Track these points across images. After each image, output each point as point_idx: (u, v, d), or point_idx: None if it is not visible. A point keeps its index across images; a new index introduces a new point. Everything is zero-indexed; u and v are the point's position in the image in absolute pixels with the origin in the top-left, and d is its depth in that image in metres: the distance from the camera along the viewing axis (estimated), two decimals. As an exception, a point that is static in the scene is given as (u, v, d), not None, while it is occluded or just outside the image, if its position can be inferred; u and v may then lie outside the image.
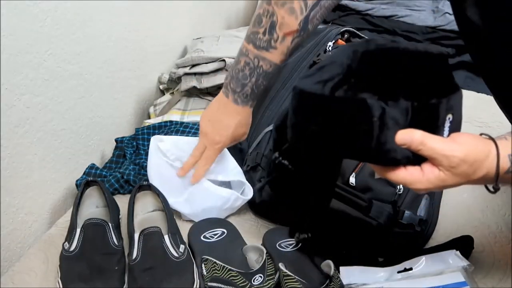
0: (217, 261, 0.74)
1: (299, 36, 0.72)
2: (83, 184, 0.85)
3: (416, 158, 0.53)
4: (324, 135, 0.54)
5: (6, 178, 0.79)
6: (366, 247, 0.80)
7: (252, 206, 0.91)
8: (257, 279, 0.72)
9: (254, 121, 0.99)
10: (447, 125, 0.53)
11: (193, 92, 1.17)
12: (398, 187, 0.81)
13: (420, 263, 0.72)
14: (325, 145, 0.55)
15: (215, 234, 0.84)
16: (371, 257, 0.79)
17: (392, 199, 0.80)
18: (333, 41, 1.05)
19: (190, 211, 0.87)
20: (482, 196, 0.91)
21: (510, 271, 0.77)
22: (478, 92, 1.20)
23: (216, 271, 0.73)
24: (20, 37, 0.77)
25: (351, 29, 1.11)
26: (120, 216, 0.86)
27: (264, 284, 0.71)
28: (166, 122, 1.07)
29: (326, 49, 1.03)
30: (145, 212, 0.87)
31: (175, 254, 0.76)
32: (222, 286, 0.70)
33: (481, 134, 0.56)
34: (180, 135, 1.01)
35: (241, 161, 0.93)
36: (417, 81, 0.52)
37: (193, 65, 1.15)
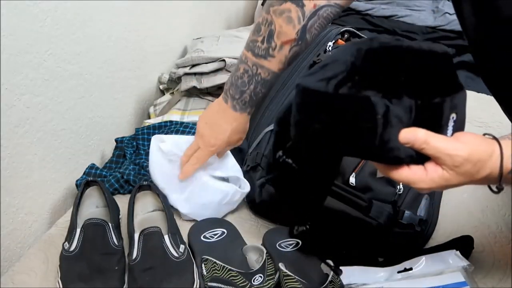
0: (217, 261, 0.74)
1: (297, 45, 0.73)
2: (83, 184, 0.85)
3: (419, 157, 0.53)
4: (327, 132, 0.54)
5: (6, 178, 0.79)
6: (366, 247, 0.80)
7: (252, 206, 0.91)
8: (257, 279, 0.72)
9: (254, 121, 1.00)
10: (450, 124, 0.53)
11: (193, 92, 1.17)
12: (398, 187, 0.81)
13: (420, 263, 0.72)
14: (328, 142, 0.55)
15: (215, 234, 0.84)
16: (371, 257, 0.79)
17: (392, 199, 0.80)
18: (333, 41, 1.05)
19: (189, 209, 0.87)
20: (482, 196, 0.91)
21: (510, 271, 0.77)
22: (478, 92, 1.20)
23: (216, 271, 0.73)
24: (20, 37, 0.77)
25: (351, 29, 1.11)
26: (120, 216, 0.86)
27: (264, 284, 0.71)
28: (166, 122, 1.07)
29: (326, 49, 1.03)
30: (145, 212, 0.87)
31: (175, 254, 0.76)
32: (222, 286, 0.70)
33: (484, 134, 0.56)
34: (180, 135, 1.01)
35: (241, 161, 0.94)
36: (421, 79, 0.52)
37: (193, 65, 1.15)
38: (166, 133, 1.03)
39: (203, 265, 0.75)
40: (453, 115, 0.53)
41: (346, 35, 1.10)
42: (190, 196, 0.87)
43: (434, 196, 0.87)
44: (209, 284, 0.71)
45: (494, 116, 1.10)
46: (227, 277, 0.72)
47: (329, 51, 1.02)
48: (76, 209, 0.81)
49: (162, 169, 0.87)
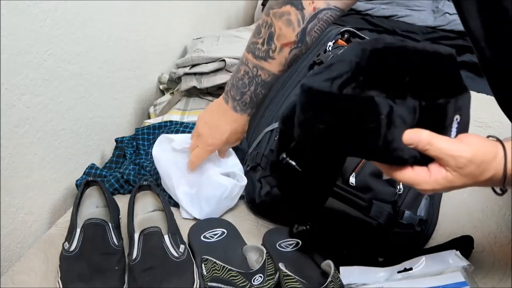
0: (217, 261, 0.74)
1: (297, 48, 0.74)
2: (83, 184, 0.85)
3: (423, 158, 0.53)
4: (331, 132, 0.54)
5: (6, 178, 0.79)
6: (366, 247, 0.80)
7: (252, 206, 0.91)
8: (257, 279, 0.72)
9: (254, 121, 1.00)
10: (454, 125, 0.53)
11: (193, 92, 1.17)
12: (398, 187, 0.81)
13: (420, 263, 0.72)
14: (332, 142, 0.55)
15: (215, 234, 0.84)
16: (371, 257, 0.79)
17: (392, 199, 0.80)
18: (333, 41, 1.05)
19: (191, 206, 0.88)
20: (482, 196, 0.91)
21: (510, 271, 0.77)
22: (478, 92, 1.20)
23: (216, 271, 0.73)
24: (20, 37, 0.77)
25: (351, 29, 1.11)
26: (120, 216, 0.86)
27: (264, 284, 0.71)
28: (166, 122, 1.07)
29: (326, 49, 1.03)
30: (145, 212, 0.87)
31: (175, 254, 0.76)
32: (222, 286, 0.70)
33: (488, 136, 0.55)
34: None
35: (241, 161, 0.94)
36: (425, 80, 0.52)
37: (193, 65, 1.15)
38: (166, 133, 1.03)
39: (203, 265, 0.75)
40: (457, 117, 0.53)
41: (346, 35, 1.10)
42: (197, 190, 0.87)
43: (434, 196, 0.87)
44: (209, 284, 0.71)
45: (494, 116, 1.09)
46: (227, 277, 0.72)
47: (329, 51, 1.02)
48: (76, 209, 0.81)
49: (175, 160, 0.89)
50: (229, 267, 0.73)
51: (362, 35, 1.11)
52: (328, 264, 0.74)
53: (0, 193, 0.79)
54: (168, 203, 0.88)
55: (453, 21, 1.50)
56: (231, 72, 1.08)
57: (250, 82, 0.77)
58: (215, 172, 0.87)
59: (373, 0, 1.62)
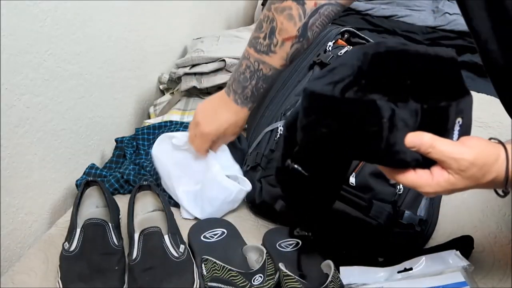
0: (217, 261, 0.74)
1: (298, 42, 0.74)
2: (83, 184, 0.85)
3: (425, 161, 0.53)
4: (334, 136, 0.54)
5: (6, 178, 0.79)
6: (366, 247, 0.80)
7: (252, 206, 0.91)
8: (257, 279, 0.72)
9: (254, 121, 1.00)
10: (456, 128, 0.53)
11: (193, 92, 1.17)
12: (398, 187, 0.80)
13: (420, 263, 0.72)
14: (335, 146, 0.55)
15: (215, 234, 0.84)
16: (371, 257, 0.79)
17: (392, 199, 0.80)
18: (333, 41, 1.05)
19: (193, 206, 0.88)
20: (482, 196, 0.91)
21: (510, 271, 0.77)
22: (478, 92, 1.20)
23: (216, 271, 0.73)
24: (20, 37, 0.77)
25: (351, 29, 1.11)
26: (120, 216, 0.86)
27: (264, 284, 0.71)
28: (166, 122, 1.07)
29: (326, 49, 1.03)
30: (145, 212, 0.87)
31: (175, 254, 0.76)
32: (222, 286, 0.70)
33: (490, 139, 0.56)
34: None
35: (241, 161, 0.93)
36: (427, 83, 0.52)
37: (193, 65, 1.15)
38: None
39: (203, 265, 0.75)
40: (459, 120, 0.53)
41: (346, 35, 1.10)
42: (199, 190, 0.87)
43: (434, 196, 0.87)
44: (209, 284, 0.71)
45: (494, 116, 1.09)
46: (227, 277, 0.72)
47: (329, 51, 1.02)
48: (76, 209, 0.81)
49: (175, 160, 0.88)
50: (229, 267, 0.73)
51: (362, 35, 1.11)
52: (328, 264, 0.74)
53: (0, 193, 0.79)
54: (168, 203, 0.88)
55: (453, 21, 1.49)
56: (231, 72, 1.08)
57: (251, 76, 0.77)
58: (220, 173, 0.86)
59: (373, 0, 1.62)
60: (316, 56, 1.02)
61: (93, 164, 0.97)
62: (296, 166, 0.68)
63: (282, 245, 0.81)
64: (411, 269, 0.72)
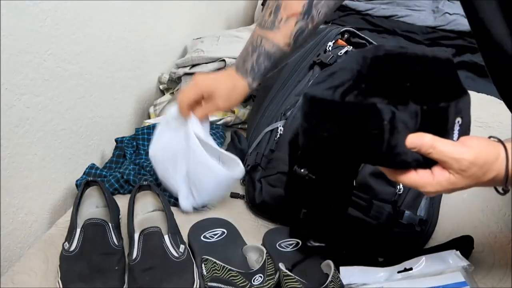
0: (217, 261, 0.74)
1: (303, 20, 0.75)
2: (83, 184, 0.85)
3: (426, 161, 0.53)
4: (335, 140, 0.55)
5: (6, 178, 0.79)
6: (366, 247, 0.80)
7: (252, 206, 0.91)
8: (257, 279, 0.72)
9: (254, 121, 1.00)
10: (456, 128, 0.54)
11: (193, 92, 1.17)
12: (398, 187, 0.81)
13: (420, 263, 0.72)
14: (336, 149, 0.56)
15: (215, 234, 0.84)
16: (371, 257, 0.79)
17: (392, 199, 0.80)
18: (333, 41, 1.05)
19: (187, 189, 0.84)
20: (482, 196, 0.91)
21: (510, 271, 0.77)
22: (478, 92, 1.20)
23: (216, 271, 0.73)
24: (20, 37, 0.77)
25: (351, 29, 1.11)
26: (120, 216, 0.86)
27: (264, 284, 0.71)
28: (166, 122, 1.07)
29: (326, 49, 1.03)
30: (145, 212, 0.87)
31: (175, 254, 0.76)
32: (222, 286, 0.70)
33: (489, 137, 0.56)
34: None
35: (241, 161, 0.93)
36: (425, 85, 0.53)
37: (193, 65, 1.15)
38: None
39: (203, 265, 0.75)
40: (459, 119, 0.54)
41: (346, 35, 1.10)
42: (190, 171, 0.83)
43: (434, 196, 0.87)
44: (209, 284, 0.71)
45: (494, 116, 1.09)
46: (227, 277, 0.72)
47: (329, 51, 1.02)
48: (76, 209, 0.81)
49: (170, 153, 0.84)
50: (229, 267, 0.73)
51: (362, 35, 1.11)
52: (328, 264, 0.74)
53: (0, 193, 0.79)
54: (168, 203, 0.88)
55: (453, 21, 1.50)
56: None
57: (253, 50, 0.78)
58: (208, 159, 0.80)
59: (373, 0, 1.62)
60: (316, 56, 1.02)
61: (93, 164, 0.97)
62: (302, 170, 0.69)
63: (282, 245, 0.81)
64: (411, 269, 0.72)
